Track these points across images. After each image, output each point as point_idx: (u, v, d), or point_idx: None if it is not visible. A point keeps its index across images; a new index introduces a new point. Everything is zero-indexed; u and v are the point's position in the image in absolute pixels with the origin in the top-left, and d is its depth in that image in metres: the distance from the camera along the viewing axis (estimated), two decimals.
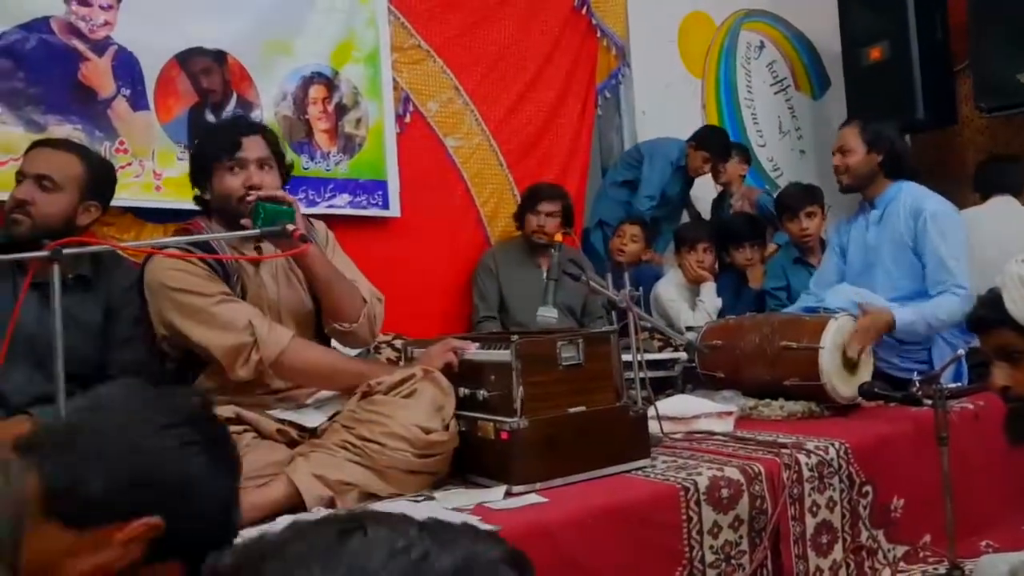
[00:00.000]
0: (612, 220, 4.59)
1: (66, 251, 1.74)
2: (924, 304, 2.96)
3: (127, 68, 3.29)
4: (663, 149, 4.71)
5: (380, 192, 3.93)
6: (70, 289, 2.19)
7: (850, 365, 2.79)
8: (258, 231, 2.07)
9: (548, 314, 2.46)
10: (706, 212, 5.09)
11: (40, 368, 2.15)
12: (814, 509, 2.24)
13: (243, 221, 2.16)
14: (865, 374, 2.82)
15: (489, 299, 4.00)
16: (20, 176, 2.30)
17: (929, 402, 2.19)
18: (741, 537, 2.08)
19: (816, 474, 2.25)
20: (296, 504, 1.93)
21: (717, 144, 4.68)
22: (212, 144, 2.29)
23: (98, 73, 3.22)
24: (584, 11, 4.70)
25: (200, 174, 2.31)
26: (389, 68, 4.00)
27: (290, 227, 2.05)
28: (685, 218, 4.96)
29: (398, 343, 3.44)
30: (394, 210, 3.96)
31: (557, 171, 4.49)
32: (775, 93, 5.71)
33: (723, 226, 4.44)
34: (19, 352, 2.06)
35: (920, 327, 2.91)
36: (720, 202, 4.95)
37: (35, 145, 2.42)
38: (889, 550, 2.40)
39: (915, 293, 3.04)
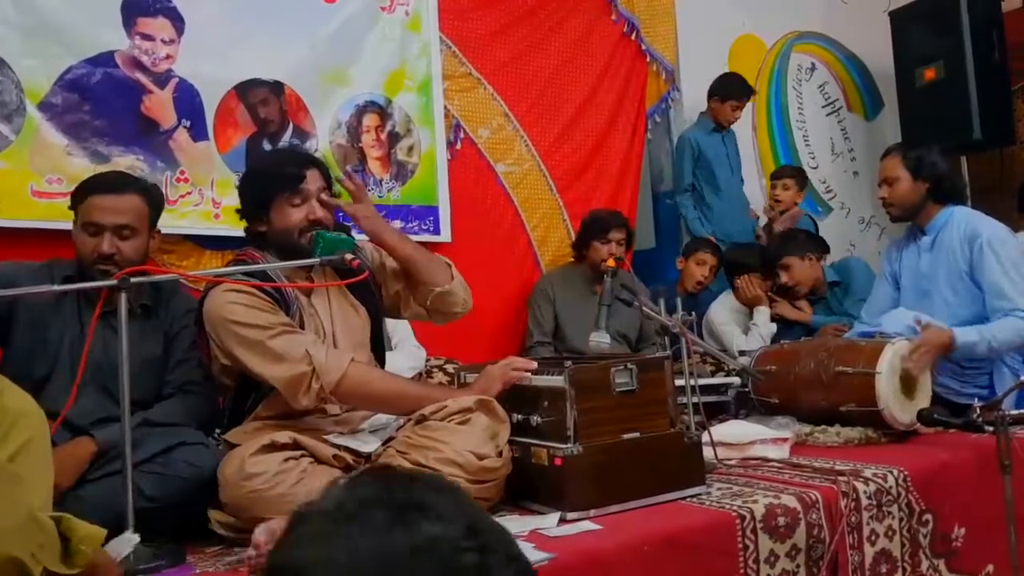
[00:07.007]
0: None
1: (132, 280, 1.79)
2: (984, 325, 2.92)
3: (188, 100, 3.38)
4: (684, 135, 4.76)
5: (431, 217, 3.98)
6: (134, 317, 2.24)
7: (908, 390, 2.75)
8: (318, 260, 2.11)
9: (601, 339, 2.47)
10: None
11: (106, 393, 2.21)
12: (873, 538, 2.20)
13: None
14: (923, 400, 2.77)
15: (544, 325, 3.99)
16: (93, 227, 2.24)
17: (991, 428, 2.14)
18: (798, 566, 2.05)
19: (875, 502, 2.21)
20: None
21: (735, 87, 4.69)
22: (276, 177, 2.29)
23: (160, 105, 3.31)
24: (633, 36, 4.72)
25: (258, 206, 2.31)
26: (441, 96, 4.06)
27: (348, 256, 2.09)
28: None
29: (450, 367, 3.47)
30: (445, 235, 4.00)
31: (607, 196, 4.50)
32: (827, 115, 5.66)
33: (764, 252, 4.40)
34: (87, 378, 2.11)
35: (981, 347, 2.86)
36: (771, 226, 4.90)
37: (92, 191, 2.29)
38: None
39: (974, 319, 2.99)
